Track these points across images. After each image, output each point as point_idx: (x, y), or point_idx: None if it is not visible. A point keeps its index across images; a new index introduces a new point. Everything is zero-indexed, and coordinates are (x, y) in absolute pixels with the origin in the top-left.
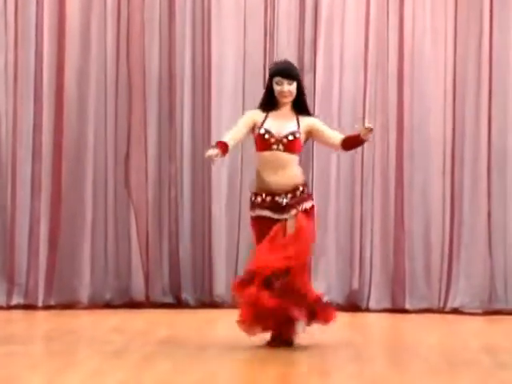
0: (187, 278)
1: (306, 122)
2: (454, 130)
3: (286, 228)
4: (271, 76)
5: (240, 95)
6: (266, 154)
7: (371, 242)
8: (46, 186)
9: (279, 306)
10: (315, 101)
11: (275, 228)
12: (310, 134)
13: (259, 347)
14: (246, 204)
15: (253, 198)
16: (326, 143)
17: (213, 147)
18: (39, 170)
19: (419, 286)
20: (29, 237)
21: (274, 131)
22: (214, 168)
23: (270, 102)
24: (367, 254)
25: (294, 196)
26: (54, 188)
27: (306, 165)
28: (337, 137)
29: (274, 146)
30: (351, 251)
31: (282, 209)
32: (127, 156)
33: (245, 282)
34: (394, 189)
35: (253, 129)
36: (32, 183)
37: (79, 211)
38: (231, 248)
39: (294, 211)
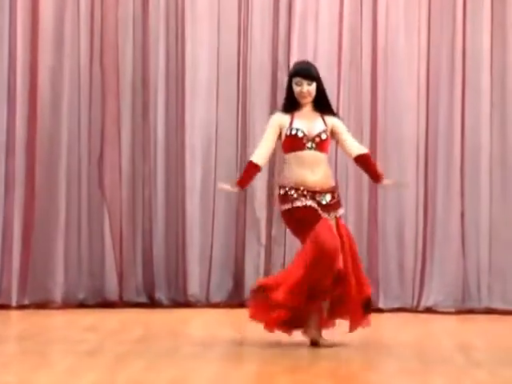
0: (161, 277)
1: (330, 121)
2: (427, 128)
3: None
4: (291, 76)
5: (214, 94)
6: (301, 153)
7: None
8: (19, 185)
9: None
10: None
11: (324, 228)
12: (332, 135)
13: (233, 346)
14: (221, 203)
15: (290, 192)
16: (343, 149)
17: (232, 183)
18: (12, 170)
19: (393, 286)
20: (2, 236)
21: (305, 130)
22: (187, 167)
23: (291, 103)
24: None
25: (333, 198)
26: (27, 187)
27: (280, 164)
28: (354, 149)
29: (308, 145)
30: None
31: (323, 207)
32: (101, 155)
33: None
34: (367, 188)
35: (280, 132)
36: (5, 182)
37: (53, 210)
38: (205, 247)
39: (334, 213)
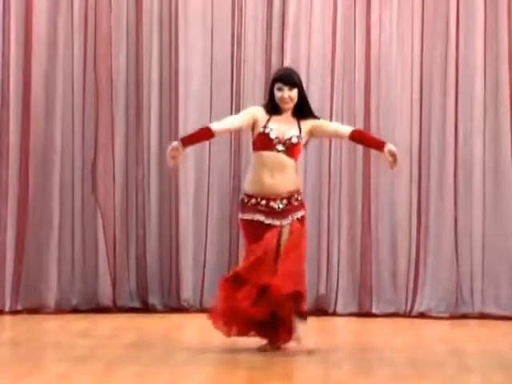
0: (154, 282)
1: (307, 124)
2: (420, 136)
3: (281, 235)
4: (273, 82)
5: (207, 100)
6: (267, 154)
7: (338, 247)
8: (12, 190)
9: (263, 314)
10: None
11: (269, 235)
12: (312, 134)
13: (226, 351)
14: (214, 208)
15: (245, 200)
16: (332, 134)
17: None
18: (6, 176)
19: (386, 291)
20: None
21: (278, 133)
22: (181, 172)
23: (272, 108)
24: (334, 259)
25: (289, 203)
26: (20, 193)
27: None
28: (343, 130)
29: (278, 147)
30: (318, 256)
31: (277, 214)
32: (94, 161)
33: (231, 285)
34: (361, 195)
35: (253, 126)
36: None
37: (46, 216)
38: (199, 252)
39: (289, 219)
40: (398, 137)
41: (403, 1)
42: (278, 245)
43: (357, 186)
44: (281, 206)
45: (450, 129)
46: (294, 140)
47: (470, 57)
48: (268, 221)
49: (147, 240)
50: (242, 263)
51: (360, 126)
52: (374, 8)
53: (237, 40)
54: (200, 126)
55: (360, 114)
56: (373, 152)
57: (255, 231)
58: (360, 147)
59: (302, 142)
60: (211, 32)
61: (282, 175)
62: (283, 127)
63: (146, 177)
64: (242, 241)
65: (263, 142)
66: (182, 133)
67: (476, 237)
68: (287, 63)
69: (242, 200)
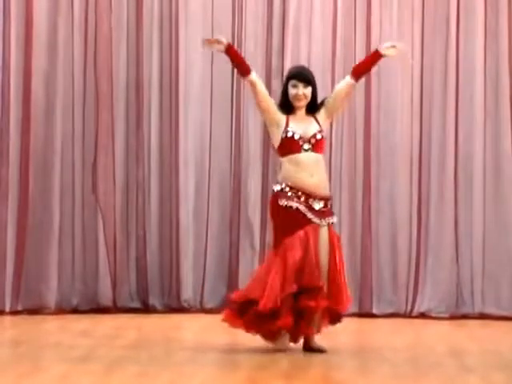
0: (155, 282)
1: (321, 114)
2: (420, 137)
3: (319, 234)
4: (287, 79)
5: (208, 102)
6: (297, 156)
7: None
8: (13, 191)
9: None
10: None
11: (308, 231)
12: (331, 115)
13: (227, 352)
14: (214, 208)
15: (286, 189)
16: (342, 95)
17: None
18: (6, 176)
19: (386, 291)
20: None
21: (301, 132)
22: (181, 174)
23: (286, 106)
24: None
25: (325, 205)
26: (21, 193)
27: (274, 170)
28: (345, 79)
29: (305, 147)
30: None
31: (315, 212)
32: (95, 162)
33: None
34: (361, 195)
35: (268, 120)
36: None
37: (46, 216)
38: (199, 253)
39: (326, 220)
40: (399, 137)
41: (403, 1)
42: (318, 243)
43: (357, 187)
44: (318, 206)
45: (451, 129)
46: (319, 136)
47: (470, 57)
48: (309, 215)
49: (147, 241)
50: (271, 260)
51: (360, 126)
52: (375, 8)
53: (237, 41)
54: (201, 125)
55: (360, 113)
56: (373, 152)
57: (294, 220)
58: (360, 146)
59: (325, 134)
60: (211, 33)
61: (319, 174)
62: (303, 126)
63: (147, 177)
64: (243, 241)
65: (290, 145)
66: (182, 134)
67: (476, 237)
68: (287, 63)
69: (282, 189)
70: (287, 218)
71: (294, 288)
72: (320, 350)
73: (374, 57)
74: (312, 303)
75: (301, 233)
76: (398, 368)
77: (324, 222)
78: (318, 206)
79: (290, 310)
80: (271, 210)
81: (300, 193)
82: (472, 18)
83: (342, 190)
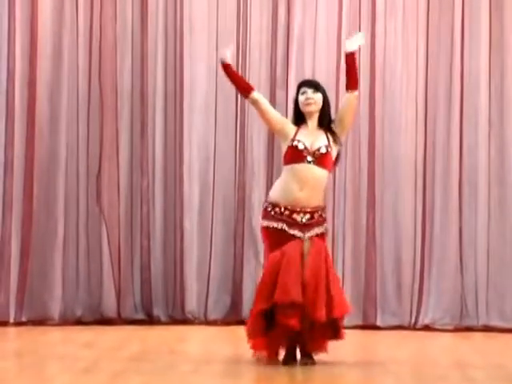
0: (159, 294)
1: (332, 133)
2: (425, 147)
3: (303, 248)
4: (297, 89)
5: (212, 112)
6: (298, 166)
7: (343, 258)
8: (17, 201)
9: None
10: (287, 117)
11: (292, 245)
12: (342, 130)
13: (231, 363)
14: (218, 219)
15: (269, 209)
16: (348, 111)
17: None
18: (11, 186)
19: (390, 303)
20: (0, 252)
21: (307, 144)
22: (185, 184)
23: (298, 117)
24: (339, 271)
25: (311, 218)
26: (25, 203)
27: None
28: (345, 96)
29: (308, 158)
30: None
31: (299, 226)
32: (99, 172)
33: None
34: (365, 206)
35: (281, 135)
36: (4, 198)
37: (51, 226)
38: (203, 264)
39: (310, 232)
40: (403, 148)
41: (408, 12)
42: (301, 256)
43: (361, 197)
44: (303, 219)
45: (455, 140)
46: (323, 150)
47: (474, 68)
48: (291, 231)
49: (152, 251)
50: (264, 271)
51: (365, 136)
52: (379, 20)
53: (242, 51)
54: (206, 136)
55: (365, 124)
56: (377, 163)
57: (277, 239)
58: (364, 156)
59: (333, 151)
60: (216, 42)
61: (312, 190)
62: (311, 138)
63: (151, 188)
64: (248, 253)
65: (293, 154)
66: (186, 144)
67: (481, 248)
68: (292, 75)
69: (266, 208)
70: (270, 238)
71: (264, 305)
72: (310, 360)
73: (347, 59)
74: (289, 321)
75: (277, 253)
76: (401, 381)
77: (307, 235)
78: (303, 219)
79: (262, 330)
80: (260, 231)
81: (283, 209)
82: (477, 29)
83: (346, 202)
